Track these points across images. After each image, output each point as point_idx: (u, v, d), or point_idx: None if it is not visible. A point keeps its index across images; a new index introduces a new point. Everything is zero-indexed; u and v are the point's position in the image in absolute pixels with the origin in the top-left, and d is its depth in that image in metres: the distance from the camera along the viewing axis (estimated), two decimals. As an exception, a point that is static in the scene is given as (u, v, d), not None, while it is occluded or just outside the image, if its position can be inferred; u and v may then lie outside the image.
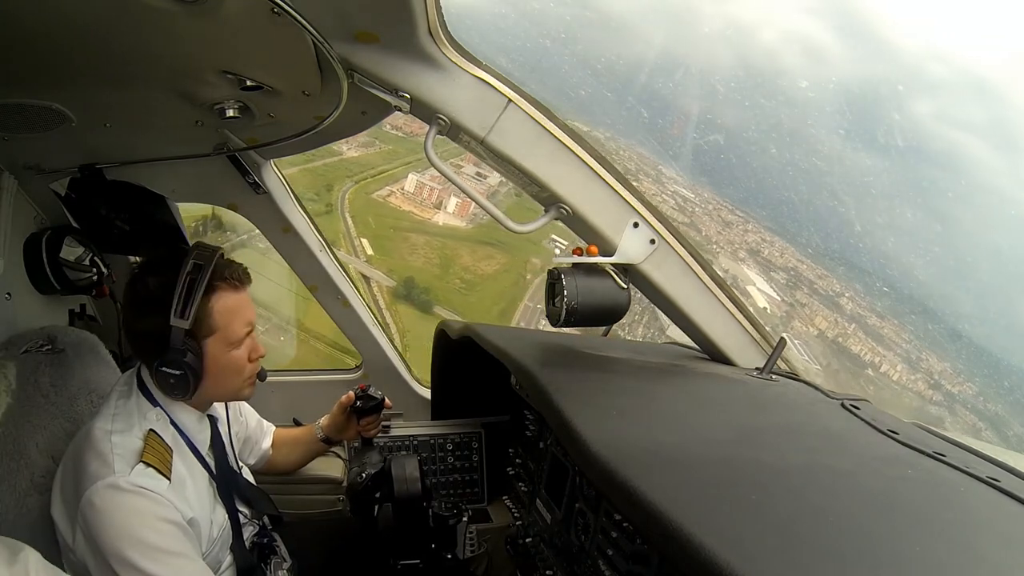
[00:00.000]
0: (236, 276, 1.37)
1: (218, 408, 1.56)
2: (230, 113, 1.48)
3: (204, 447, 1.44)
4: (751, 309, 1.69)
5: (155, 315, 1.28)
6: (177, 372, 1.28)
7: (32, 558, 0.96)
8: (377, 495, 1.69)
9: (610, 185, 1.50)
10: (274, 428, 1.91)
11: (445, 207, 14.69)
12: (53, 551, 1.26)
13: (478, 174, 11.05)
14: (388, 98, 1.36)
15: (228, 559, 1.45)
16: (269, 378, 1.54)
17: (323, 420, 1.91)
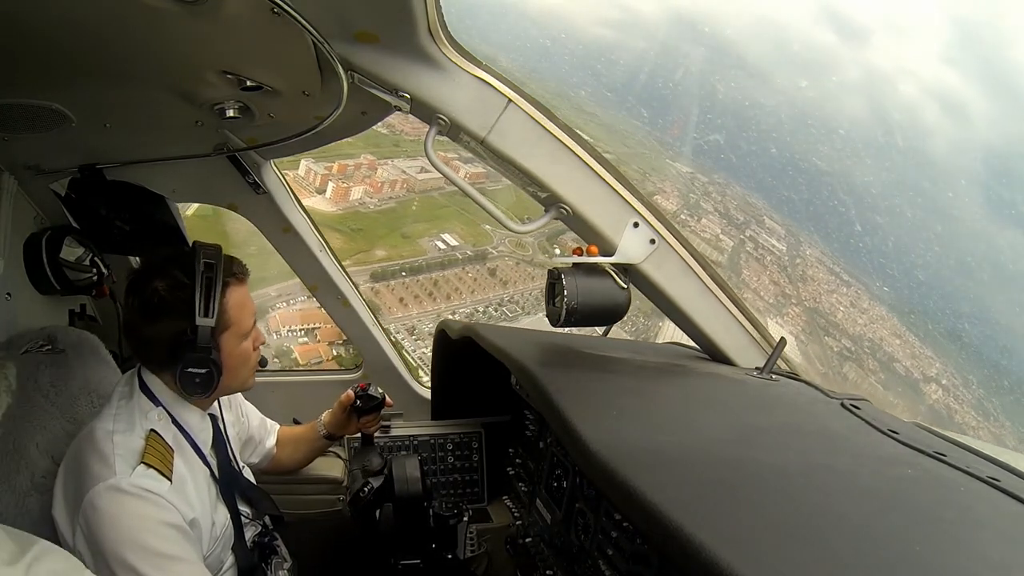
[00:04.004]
0: (241, 270, 1.41)
1: (216, 407, 1.56)
2: (230, 113, 1.49)
3: (206, 446, 1.44)
4: (751, 309, 1.69)
5: (173, 318, 1.28)
6: (204, 371, 1.30)
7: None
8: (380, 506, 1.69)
9: (610, 185, 1.50)
10: (278, 427, 1.92)
11: (325, 193, 14.66)
12: (53, 551, 1.26)
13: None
14: (388, 98, 1.36)
15: (230, 559, 1.45)
16: (269, 378, 1.55)
17: (325, 416, 1.91)
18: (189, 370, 1.29)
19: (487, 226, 13.87)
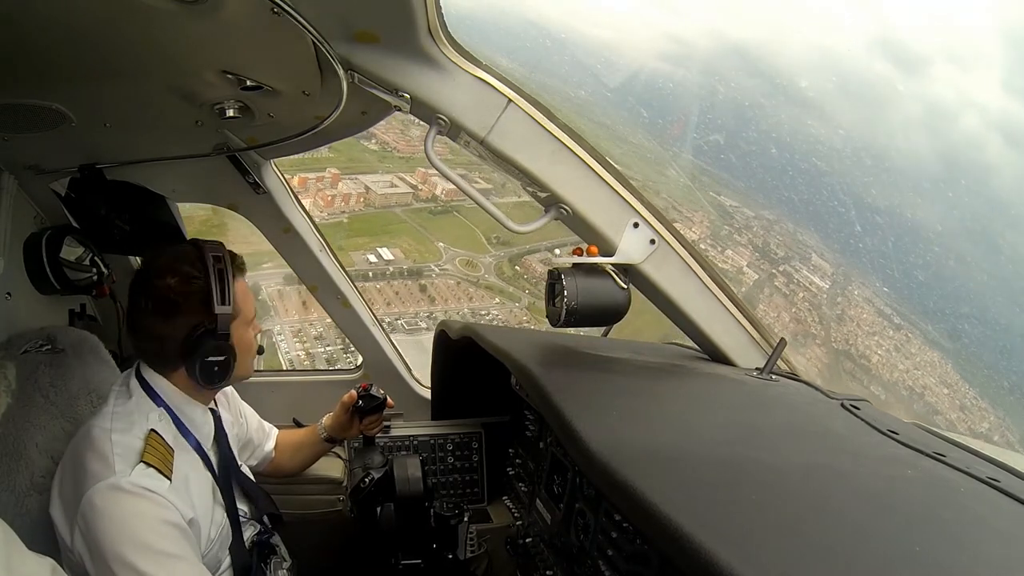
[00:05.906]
0: (242, 264, 1.47)
1: (214, 404, 1.56)
2: (230, 113, 1.48)
3: (208, 441, 1.46)
4: (751, 309, 1.69)
5: (189, 312, 1.34)
6: (222, 358, 1.36)
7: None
8: (380, 498, 1.69)
9: (610, 185, 1.50)
10: (277, 431, 1.91)
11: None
12: (53, 551, 1.26)
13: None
14: (388, 98, 1.36)
15: (227, 559, 1.45)
16: (268, 378, 1.56)
17: (326, 420, 1.91)
18: (210, 359, 1.35)
19: (441, 244, 13.70)
